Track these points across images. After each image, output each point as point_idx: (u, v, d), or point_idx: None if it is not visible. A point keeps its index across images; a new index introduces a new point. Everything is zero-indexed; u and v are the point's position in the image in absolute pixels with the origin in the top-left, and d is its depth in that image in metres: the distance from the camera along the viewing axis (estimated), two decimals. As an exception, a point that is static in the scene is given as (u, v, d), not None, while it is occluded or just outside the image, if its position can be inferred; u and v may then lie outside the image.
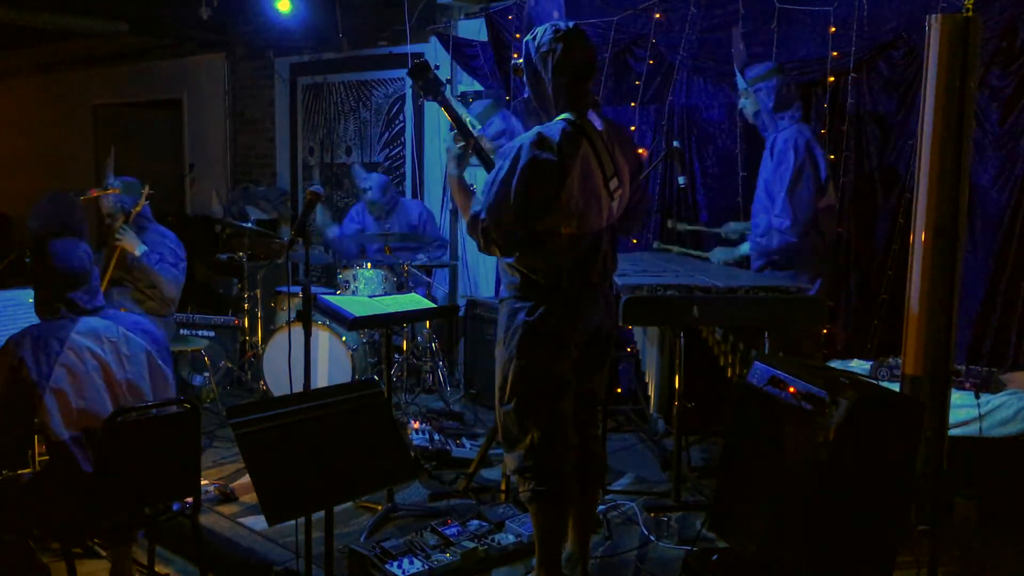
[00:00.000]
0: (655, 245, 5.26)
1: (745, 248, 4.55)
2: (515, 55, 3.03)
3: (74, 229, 3.13)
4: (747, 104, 4.55)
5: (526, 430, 2.96)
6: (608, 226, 3.00)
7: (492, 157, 3.09)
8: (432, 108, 6.62)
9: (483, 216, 2.85)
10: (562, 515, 3.05)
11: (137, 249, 4.68)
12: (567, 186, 2.82)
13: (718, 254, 4.74)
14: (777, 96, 4.40)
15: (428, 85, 3.16)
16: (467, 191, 3.03)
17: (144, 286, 4.77)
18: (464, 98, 6.09)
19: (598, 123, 2.95)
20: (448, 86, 3.29)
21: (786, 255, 4.36)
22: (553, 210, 2.83)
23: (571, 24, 2.94)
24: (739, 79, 4.58)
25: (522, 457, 2.98)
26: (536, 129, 2.86)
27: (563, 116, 2.89)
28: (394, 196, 6.03)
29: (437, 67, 3.16)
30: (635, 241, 5.42)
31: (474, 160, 3.13)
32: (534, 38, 2.94)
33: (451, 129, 3.10)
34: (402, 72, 6.80)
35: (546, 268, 2.90)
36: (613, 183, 2.95)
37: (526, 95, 3.01)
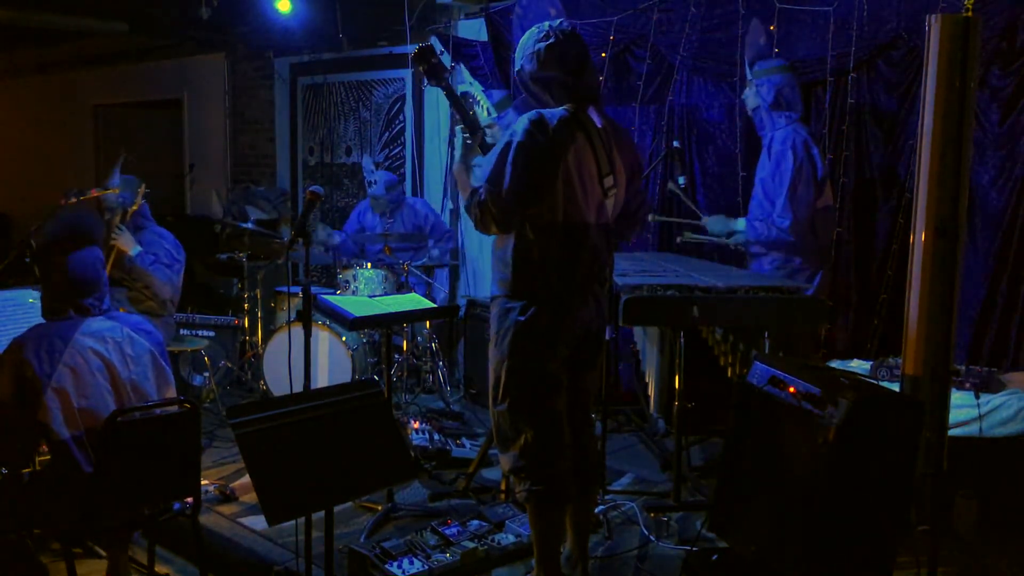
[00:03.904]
0: (650, 217, 5.23)
1: (741, 224, 4.57)
2: (518, 68, 3.08)
3: (93, 239, 3.14)
4: (749, 96, 4.57)
5: (520, 430, 2.96)
6: (602, 225, 3.00)
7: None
8: (432, 108, 6.62)
9: (481, 190, 2.89)
10: (559, 514, 3.05)
11: (132, 249, 4.67)
12: (560, 171, 2.85)
13: (714, 224, 4.75)
14: (777, 93, 4.42)
15: (432, 69, 3.17)
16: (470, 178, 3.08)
17: (141, 286, 4.76)
18: (466, 98, 6.10)
19: (598, 119, 2.97)
20: (452, 73, 3.31)
21: (783, 247, 4.41)
22: (545, 194, 2.86)
23: (557, 22, 2.98)
24: (747, 70, 4.59)
25: (517, 457, 2.98)
26: (538, 110, 2.90)
27: (564, 107, 2.93)
28: (399, 196, 6.04)
29: (442, 53, 3.17)
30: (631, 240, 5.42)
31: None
32: (523, 43, 2.99)
33: (457, 123, 3.13)
34: (402, 72, 6.81)
35: (536, 261, 2.91)
36: (608, 180, 2.96)
37: (523, 97, 3.04)
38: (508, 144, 2.86)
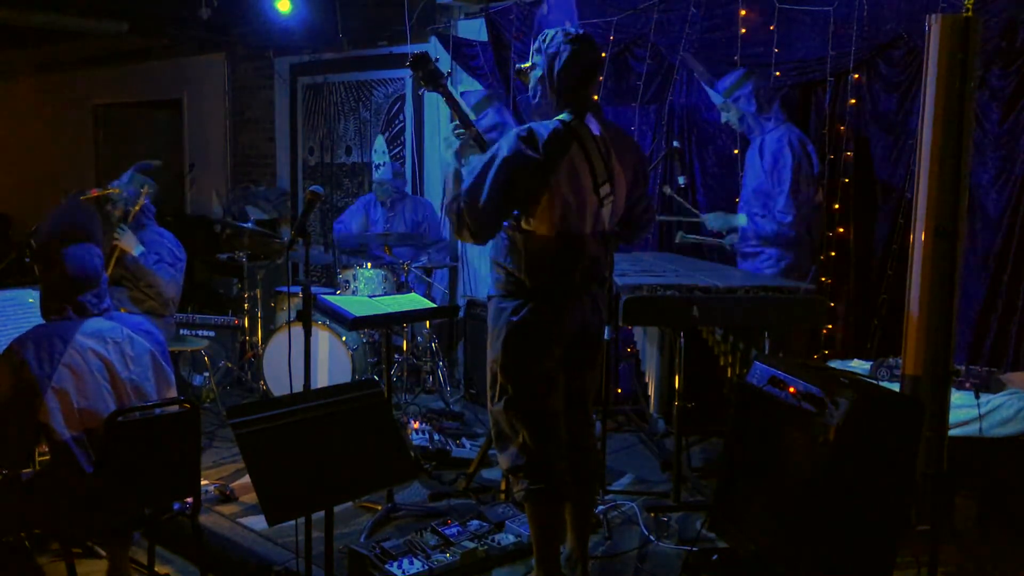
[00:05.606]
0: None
1: (743, 219, 4.58)
2: (527, 64, 3.06)
3: (89, 235, 3.14)
4: (730, 116, 4.63)
5: (516, 429, 2.97)
6: (599, 233, 2.99)
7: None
8: (431, 108, 6.62)
9: (461, 199, 2.87)
10: (558, 512, 3.05)
11: (135, 249, 4.67)
12: (551, 185, 2.83)
13: (714, 220, 4.76)
14: (757, 98, 4.50)
15: (429, 76, 3.17)
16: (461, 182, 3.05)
17: (144, 286, 4.76)
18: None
19: (595, 127, 2.95)
20: (449, 77, 3.30)
21: (782, 243, 4.45)
22: (533, 208, 2.86)
23: (581, 30, 3.00)
24: (712, 95, 4.62)
25: (514, 455, 2.99)
26: (529, 124, 2.89)
27: (560, 117, 2.91)
28: (403, 186, 6.08)
29: (437, 59, 3.18)
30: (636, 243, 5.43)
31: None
32: (544, 40, 2.99)
33: (451, 120, 3.11)
34: (402, 72, 6.81)
35: (529, 269, 2.92)
36: (604, 189, 2.94)
37: (526, 94, 3.05)
38: (493, 157, 2.84)
